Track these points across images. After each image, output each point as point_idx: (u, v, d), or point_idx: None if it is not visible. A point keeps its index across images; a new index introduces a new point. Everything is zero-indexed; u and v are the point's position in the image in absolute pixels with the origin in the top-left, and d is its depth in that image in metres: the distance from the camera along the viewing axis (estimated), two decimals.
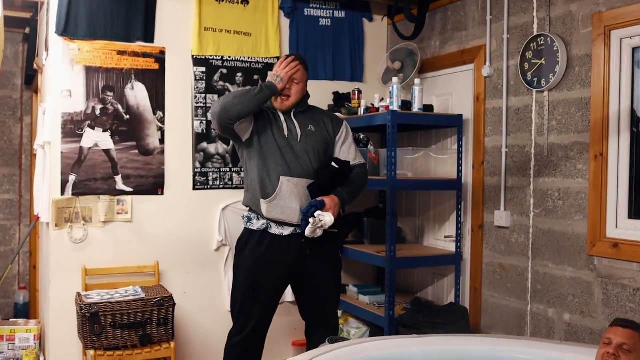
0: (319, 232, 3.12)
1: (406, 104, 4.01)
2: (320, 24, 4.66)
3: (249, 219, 3.29)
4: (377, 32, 4.88)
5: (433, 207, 4.49)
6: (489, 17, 3.95)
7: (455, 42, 4.27)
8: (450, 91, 4.29)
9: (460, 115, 4.10)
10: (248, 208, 3.33)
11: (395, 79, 3.98)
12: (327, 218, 3.08)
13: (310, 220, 3.07)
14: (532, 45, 3.63)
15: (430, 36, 4.47)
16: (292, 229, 3.20)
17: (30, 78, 5.53)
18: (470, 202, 4.13)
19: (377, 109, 4.14)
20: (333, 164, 3.24)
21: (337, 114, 4.02)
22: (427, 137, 4.52)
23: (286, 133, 3.22)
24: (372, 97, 4.52)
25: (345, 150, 3.37)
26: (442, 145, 4.38)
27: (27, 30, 5.50)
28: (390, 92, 3.92)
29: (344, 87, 4.68)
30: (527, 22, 3.71)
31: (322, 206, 3.09)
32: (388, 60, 4.56)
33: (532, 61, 3.62)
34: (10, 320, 4.43)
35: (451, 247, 4.21)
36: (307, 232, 3.09)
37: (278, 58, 4.51)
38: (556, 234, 3.52)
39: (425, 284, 4.56)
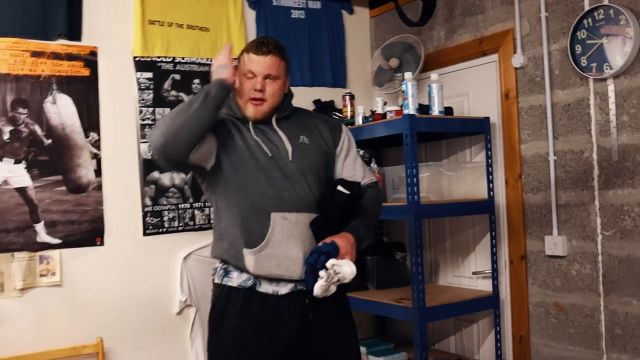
0: (333, 289, 2.15)
1: (422, 108, 3.13)
2: (292, 16, 3.74)
3: (226, 272, 2.27)
4: (358, 26, 4.01)
5: (450, 237, 3.60)
6: None
7: (468, 30, 3.43)
8: (466, 90, 3.44)
9: (487, 119, 3.25)
10: (221, 262, 2.32)
11: (408, 75, 3.08)
12: (345, 269, 2.10)
13: (322, 274, 2.08)
14: (585, 21, 2.83)
15: (431, 26, 3.62)
16: (291, 285, 2.22)
17: None
18: (505, 227, 3.27)
19: (383, 116, 3.23)
20: (340, 188, 2.24)
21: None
22: (434, 149, 3.65)
23: (268, 150, 2.23)
24: (360, 104, 3.62)
25: (350, 166, 2.38)
26: (456, 158, 3.52)
27: None
28: (403, 92, 3.02)
29: (325, 94, 3.77)
30: None
31: (335, 252, 2.12)
32: (380, 57, 3.67)
33: (588, 42, 2.82)
34: None
35: (482, 285, 3.33)
36: (318, 290, 2.10)
37: None
38: (639, 261, 2.70)
39: (444, 333, 3.64)
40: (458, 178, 3.32)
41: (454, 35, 3.52)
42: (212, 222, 2.82)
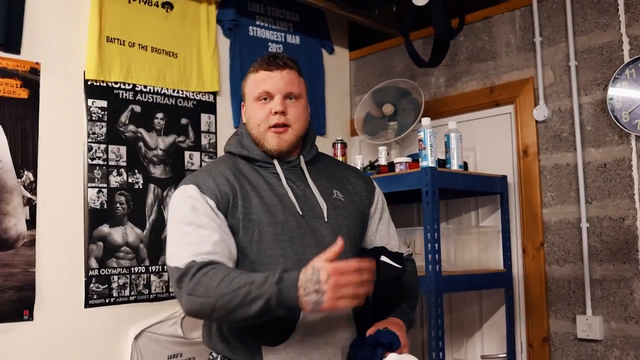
0: None
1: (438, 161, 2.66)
2: (270, 49, 3.21)
3: None
4: (337, 68, 3.54)
5: (448, 312, 3.09)
6: (539, 39, 2.81)
7: (475, 77, 3.05)
8: (472, 144, 3.02)
9: (505, 177, 2.84)
10: (220, 356, 1.69)
11: (426, 121, 2.62)
12: None
13: None
14: (628, 73, 2.52)
15: (428, 71, 3.22)
16: None
17: None
18: (522, 303, 2.82)
19: (389, 168, 2.74)
20: (386, 259, 1.73)
21: None
22: None
23: (297, 205, 1.67)
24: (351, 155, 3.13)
25: (384, 232, 1.87)
26: (458, 220, 3.07)
27: None
28: (422, 141, 2.55)
29: None
30: (609, 43, 2.61)
31: (397, 344, 1.57)
32: (370, 103, 3.21)
33: (631, 96, 2.50)
34: None
35: None
36: None
37: (215, 94, 2.96)
38: None
39: None
40: (460, 245, 2.85)
41: (456, 83, 3.12)
42: None
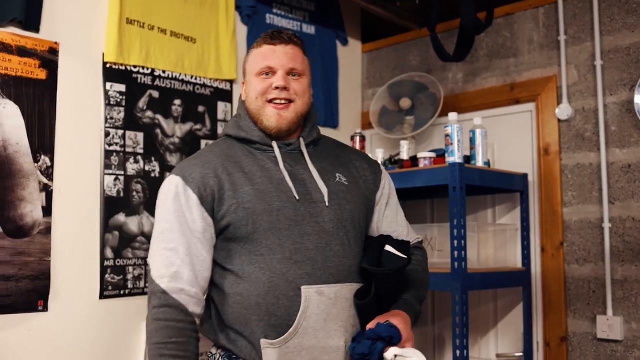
0: None
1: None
2: None
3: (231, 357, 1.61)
4: (350, 60, 3.48)
5: None
6: (563, 37, 2.78)
7: (495, 74, 3.02)
8: (490, 141, 2.98)
9: (525, 175, 2.82)
10: (220, 349, 1.65)
11: (453, 115, 2.58)
12: None
13: None
14: None
15: (445, 66, 3.18)
16: None
17: None
18: (539, 302, 2.80)
19: (412, 162, 2.69)
20: (391, 249, 1.66)
21: None
22: (443, 207, 3.14)
23: (294, 190, 1.62)
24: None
25: (392, 218, 1.81)
26: (474, 217, 3.03)
27: None
28: (449, 136, 2.50)
29: None
30: (637, 44, 2.60)
31: (398, 338, 1.53)
32: (387, 96, 3.16)
33: None
34: None
35: None
36: None
37: (232, 82, 2.88)
38: None
39: None
40: (479, 242, 2.82)
41: (475, 79, 3.09)
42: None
